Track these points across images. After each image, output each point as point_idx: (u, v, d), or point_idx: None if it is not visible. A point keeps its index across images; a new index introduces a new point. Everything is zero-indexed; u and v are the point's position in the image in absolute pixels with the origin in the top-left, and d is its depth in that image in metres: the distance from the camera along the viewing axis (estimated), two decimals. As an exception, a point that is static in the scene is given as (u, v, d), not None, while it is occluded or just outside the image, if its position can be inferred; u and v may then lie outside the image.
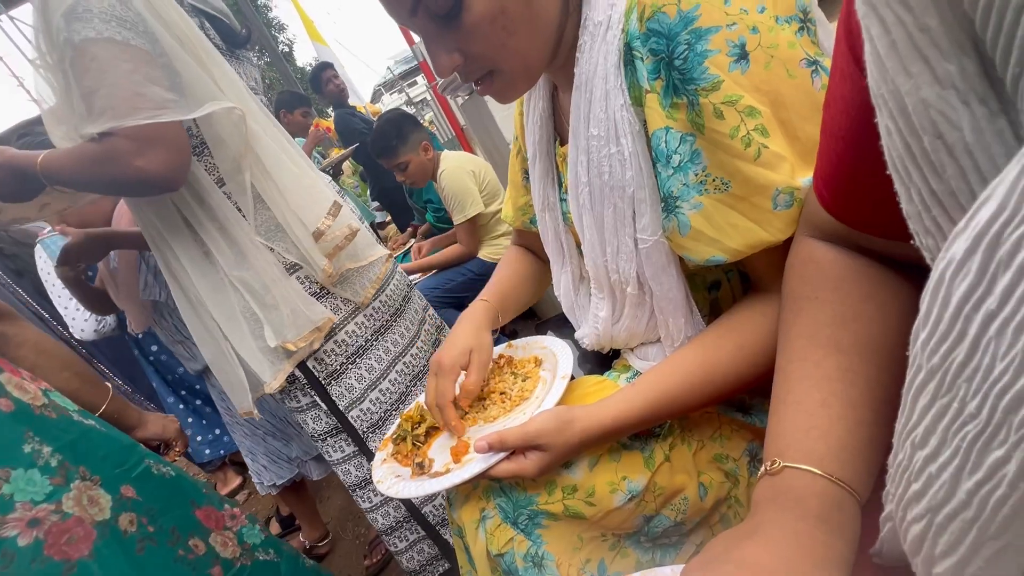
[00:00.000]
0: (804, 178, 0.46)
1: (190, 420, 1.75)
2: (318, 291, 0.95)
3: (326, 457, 1.07)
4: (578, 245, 0.71)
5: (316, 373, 0.96)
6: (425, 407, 0.76)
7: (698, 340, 0.56)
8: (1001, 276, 0.16)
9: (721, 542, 0.37)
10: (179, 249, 0.88)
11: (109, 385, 0.93)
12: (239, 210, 0.87)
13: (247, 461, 1.49)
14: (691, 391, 0.54)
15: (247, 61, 1.07)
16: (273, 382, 0.92)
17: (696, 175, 0.49)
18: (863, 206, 0.35)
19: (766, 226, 0.48)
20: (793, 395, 0.39)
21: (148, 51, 0.73)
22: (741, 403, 0.63)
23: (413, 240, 2.67)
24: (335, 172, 3.23)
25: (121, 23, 0.71)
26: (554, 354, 0.71)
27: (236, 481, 2.48)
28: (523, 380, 0.71)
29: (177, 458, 1.06)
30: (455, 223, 1.93)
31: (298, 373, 0.96)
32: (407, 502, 1.08)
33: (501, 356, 0.78)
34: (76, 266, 1.17)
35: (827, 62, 0.47)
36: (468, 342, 0.71)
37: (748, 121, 0.46)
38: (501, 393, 0.71)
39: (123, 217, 1.28)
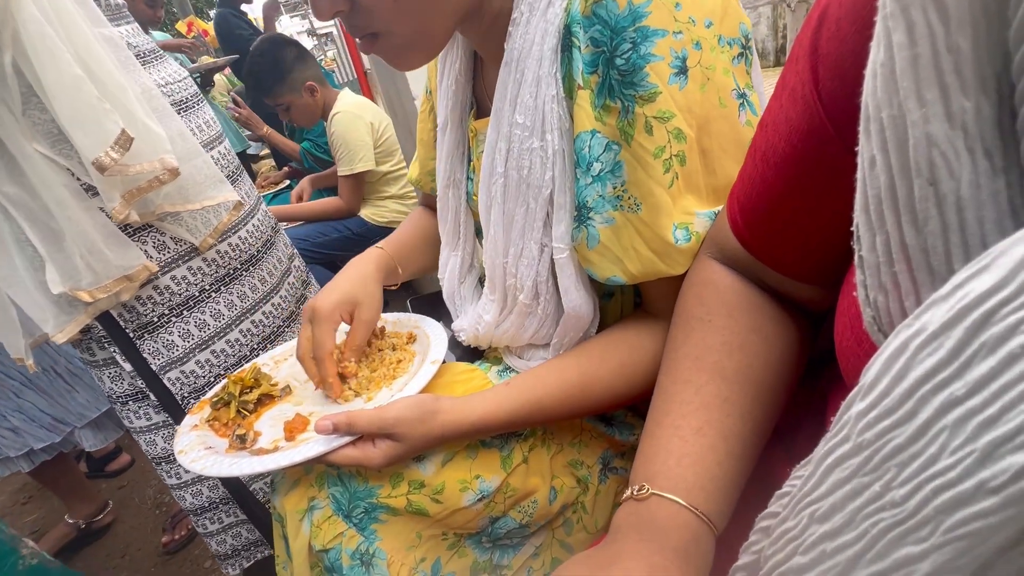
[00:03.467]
0: (703, 211, 0.46)
1: None
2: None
3: (126, 423, 0.87)
4: (478, 231, 0.64)
5: (122, 324, 0.76)
6: (263, 371, 0.65)
7: (581, 351, 0.54)
8: (980, 361, 0.13)
9: (578, 567, 0.35)
10: None
11: None
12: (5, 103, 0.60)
13: None
14: (566, 402, 0.52)
15: None
16: (59, 334, 0.70)
17: (614, 188, 0.47)
18: (776, 240, 0.35)
19: (666, 259, 0.47)
20: (670, 418, 0.39)
21: None
22: (604, 414, 0.63)
23: (289, 182, 2.36)
24: (204, 82, 2.74)
25: None
26: (427, 335, 0.65)
27: None
28: (396, 355, 0.64)
29: None
30: (339, 175, 1.74)
31: (94, 322, 0.75)
32: (231, 479, 0.93)
33: None
34: None
35: (753, 97, 0.48)
36: (353, 291, 0.61)
37: (674, 144, 0.44)
38: (368, 365, 0.63)
39: None
